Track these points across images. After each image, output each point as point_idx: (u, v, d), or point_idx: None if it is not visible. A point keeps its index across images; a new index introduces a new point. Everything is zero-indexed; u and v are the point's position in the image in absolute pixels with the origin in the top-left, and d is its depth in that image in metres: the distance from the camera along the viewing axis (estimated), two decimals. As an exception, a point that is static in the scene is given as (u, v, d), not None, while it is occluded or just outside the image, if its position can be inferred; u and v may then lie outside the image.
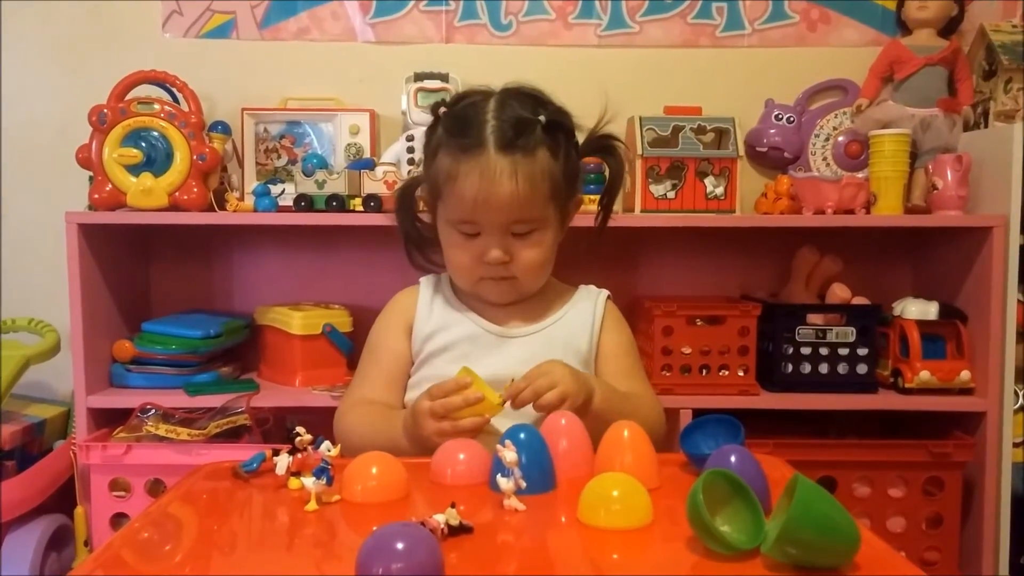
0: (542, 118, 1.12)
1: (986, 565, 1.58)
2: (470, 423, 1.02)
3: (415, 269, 1.30)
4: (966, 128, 1.75)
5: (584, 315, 1.23)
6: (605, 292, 1.28)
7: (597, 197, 1.34)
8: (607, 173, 1.33)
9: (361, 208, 1.59)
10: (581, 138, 1.24)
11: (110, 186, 1.57)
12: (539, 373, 1.05)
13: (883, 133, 1.67)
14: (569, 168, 1.17)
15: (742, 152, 1.66)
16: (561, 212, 1.19)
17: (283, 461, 0.91)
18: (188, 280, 1.86)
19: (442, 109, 1.18)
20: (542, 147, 1.12)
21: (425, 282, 1.28)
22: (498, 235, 1.13)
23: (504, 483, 0.82)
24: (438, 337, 1.21)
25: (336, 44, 1.86)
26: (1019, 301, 1.59)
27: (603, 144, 1.26)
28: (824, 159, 1.84)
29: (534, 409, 1.04)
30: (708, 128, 1.69)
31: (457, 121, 1.14)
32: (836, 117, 1.84)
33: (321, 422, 1.21)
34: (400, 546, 0.63)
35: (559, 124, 1.15)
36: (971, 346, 1.61)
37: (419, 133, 1.65)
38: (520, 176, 1.09)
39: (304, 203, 1.59)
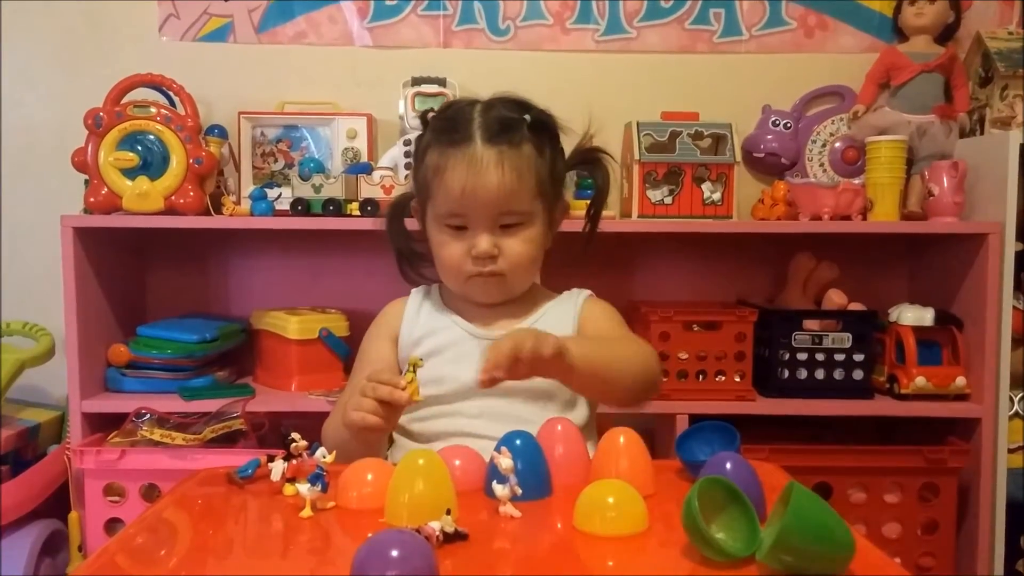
0: (527, 117, 1.16)
1: (981, 570, 1.58)
2: (370, 409, 1.00)
3: (408, 284, 1.32)
4: (962, 135, 1.76)
5: (565, 314, 1.24)
6: (586, 292, 1.29)
7: (586, 203, 1.34)
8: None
9: (358, 212, 1.59)
10: (568, 145, 1.26)
11: (106, 190, 1.57)
12: (495, 341, 1.00)
13: (880, 139, 1.68)
14: (555, 169, 1.20)
15: (739, 158, 1.67)
16: (548, 212, 1.20)
17: (278, 467, 0.90)
18: (184, 284, 1.86)
19: (431, 115, 1.22)
20: (527, 143, 1.15)
21: (415, 292, 1.30)
22: (486, 227, 1.14)
23: (500, 490, 0.82)
24: (425, 342, 1.22)
25: (333, 48, 1.86)
26: (1014, 307, 1.60)
27: (590, 156, 1.28)
28: (821, 165, 1.84)
29: (505, 375, 0.97)
30: (705, 134, 1.70)
31: (445, 121, 1.18)
32: (833, 123, 1.84)
33: (317, 427, 1.21)
34: (395, 553, 0.63)
35: (543, 124, 1.19)
36: (967, 352, 1.62)
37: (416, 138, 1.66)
38: (506, 165, 1.12)
39: (301, 207, 1.59)
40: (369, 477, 0.87)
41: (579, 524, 0.78)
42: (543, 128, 1.18)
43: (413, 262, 1.31)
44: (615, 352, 1.13)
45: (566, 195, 1.32)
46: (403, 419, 1.18)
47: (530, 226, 1.17)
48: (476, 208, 1.13)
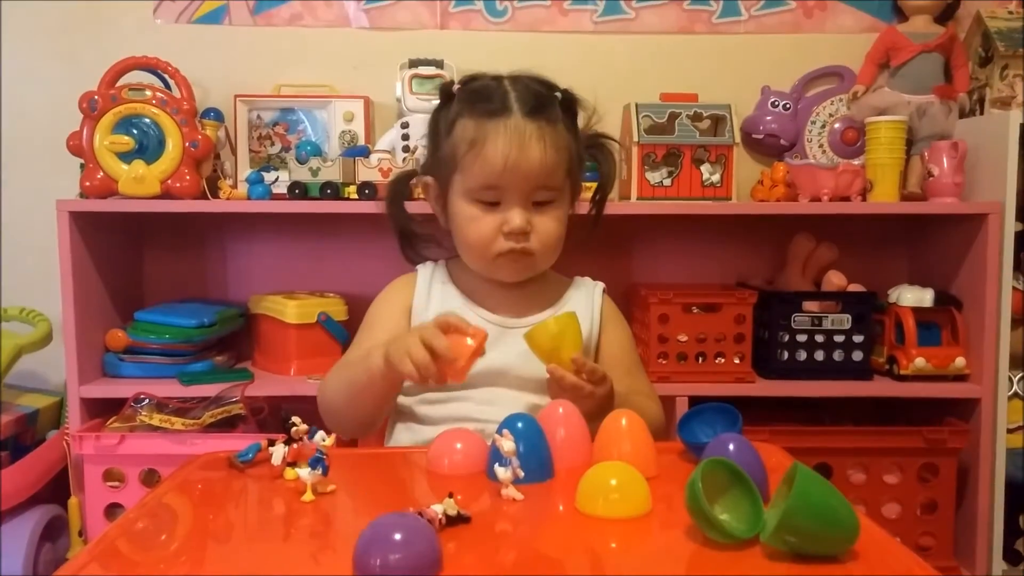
0: (558, 94, 1.15)
1: (980, 550, 1.59)
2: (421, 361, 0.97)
3: (409, 263, 1.30)
4: (962, 115, 1.75)
5: (582, 308, 1.22)
6: (601, 284, 1.27)
7: (592, 186, 1.33)
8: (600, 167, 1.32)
9: (356, 196, 1.58)
10: None
11: (101, 174, 1.55)
12: (601, 370, 1.06)
13: (879, 120, 1.67)
14: (579, 149, 1.19)
15: (738, 139, 1.66)
16: (572, 192, 1.19)
17: (279, 451, 0.90)
18: (181, 269, 1.85)
19: (456, 86, 1.18)
20: (560, 121, 1.14)
21: (423, 269, 1.26)
22: (520, 202, 1.12)
23: (502, 472, 0.82)
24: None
25: (329, 30, 1.84)
26: (1014, 288, 1.60)
27: (595, 142, 1.27)
28: (820, 146, 1.83)
29: (560, 384, 1.03)
30: (704, 115, 1.69)
31: (477, 92, 1.15)
32: (832, 104, 1.83)
33: (316, 411, 1.20)
34: (398, 537, 0.63)
35: (571, 104, 1.18)
36: (966, 333, 1.62)
37: (414, 120, 1.65)
38: (547, 141, 1.11)
39: (298, 191, 1.58)
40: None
41: (581, 506, 0.78)
42: (571, 107, 1.18)
43: (414, 241, 1.28)
44: (636, 409, 1.14)
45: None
46: (409, 401, 1.17)
47: (560, 205, 1.16)
48: (515, 182, 1.10)
